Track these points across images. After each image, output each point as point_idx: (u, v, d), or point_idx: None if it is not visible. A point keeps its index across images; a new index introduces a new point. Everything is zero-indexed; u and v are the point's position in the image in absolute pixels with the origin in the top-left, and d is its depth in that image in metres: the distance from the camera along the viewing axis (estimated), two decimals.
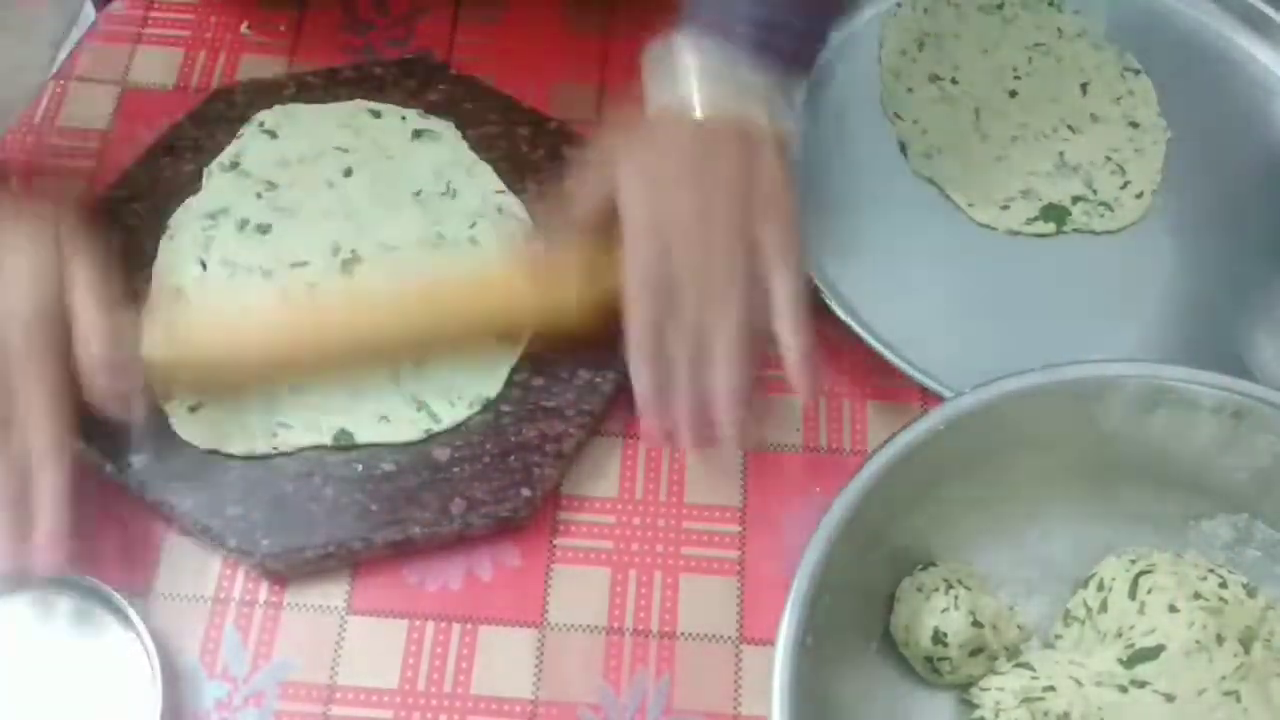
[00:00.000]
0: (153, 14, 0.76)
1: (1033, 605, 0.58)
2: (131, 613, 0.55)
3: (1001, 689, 0.54)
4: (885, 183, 0.71)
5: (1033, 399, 0.56)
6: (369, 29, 0.76)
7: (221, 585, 0.59)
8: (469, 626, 0.59)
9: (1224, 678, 0.53)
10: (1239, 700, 0.53)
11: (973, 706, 0.55)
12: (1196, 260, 0.70)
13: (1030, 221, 0.70)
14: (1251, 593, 0.56)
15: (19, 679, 0.55)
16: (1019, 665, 0.55)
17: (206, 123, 0.70)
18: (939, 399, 0.61)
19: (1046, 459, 0.58)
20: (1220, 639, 0.54)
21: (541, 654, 0.58)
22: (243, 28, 0.76)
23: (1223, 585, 0.56)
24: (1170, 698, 0.53)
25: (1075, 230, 0.70)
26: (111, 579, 0.56)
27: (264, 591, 0.59)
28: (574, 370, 0.63)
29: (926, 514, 0.56)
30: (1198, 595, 0.55)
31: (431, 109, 0.71)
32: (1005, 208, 0.70)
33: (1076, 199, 0.71)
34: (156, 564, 0.59)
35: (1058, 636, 0.57)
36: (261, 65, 0.74)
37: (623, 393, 0.64)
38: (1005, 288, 0.68)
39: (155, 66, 0.74)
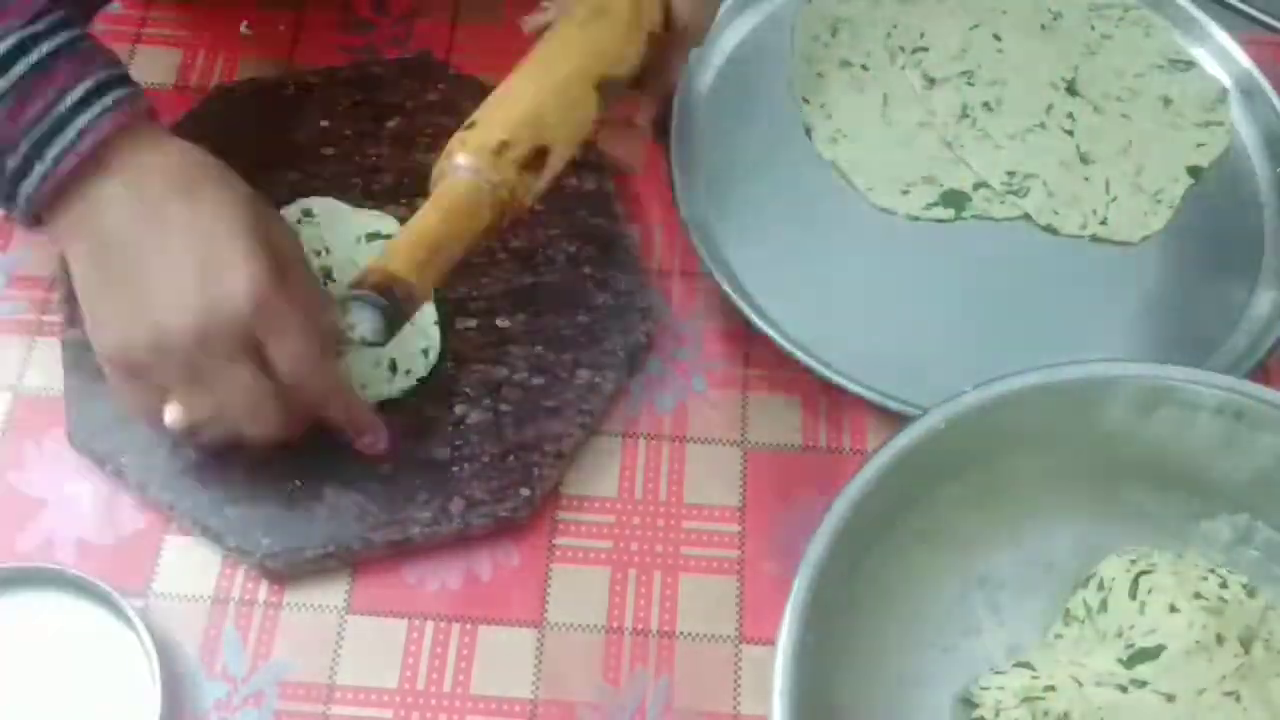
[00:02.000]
0: (152, 13, 0.76)
1: (1033, 604, 0.58)
2: (131, 612, 0.55)
3: (1002, 688, 0.54)
4: (790, 166, 0.71)
5: (1034, 398, 0.56)
6: (369, 29, 0.76)
7: (221, 585, 0.59)
8: (468, 626, 0.59)
9: (1224, 678, 0.53)
10: (1239, 700, 0.53)
11: (973, 706, 0.55)
12: (1109, 250, 0.70)
13: (929, 207, 0.70)
14: (1252, 593, 0.56)
15: (18, 678, 0.55)
16: (1019, 665, 0.55)
17: (206, 122, 0.70)
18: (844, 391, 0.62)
19: (1047, 459, 0.58)
20: (1220, 639, 0.54)
21: (541, 654, 0.58)
22: (242, 27, 0.76)
23: (1223, 585, 0.56)
24: (1170, 698, 0.53)
25: (975, 217, 0.70)
26: (111, 578, 0.56)
27: (263, 591, 0.59)
28: (574, 370, 0.63)
29: (927, 513, 0.56)
30: (1198, 595, 0.55)
31: (431, 109, 0.71)
32: (905, 192, 0.70)
33: (979, 185, 0.71)
34: (156, 563, 0.59)
35: (1058, 636, 0.57)
36: (261, 65, 0.74)
37: (622, 392, 0.64)
38: (906, 273, 0.68)
39: (154, 66, 0.74)
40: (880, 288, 0.68)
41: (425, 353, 0.63)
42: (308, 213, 0.66)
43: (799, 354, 0.63)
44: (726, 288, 0.64)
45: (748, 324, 0.64)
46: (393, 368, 0.62)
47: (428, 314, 0.63)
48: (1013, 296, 0.68)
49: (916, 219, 0.70)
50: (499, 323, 0.64)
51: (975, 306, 0.67)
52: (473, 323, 0.64)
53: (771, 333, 0.64)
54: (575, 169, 0.69)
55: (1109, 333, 0.67)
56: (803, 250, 0.69)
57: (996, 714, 0.53)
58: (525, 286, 0.65)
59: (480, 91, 0.71)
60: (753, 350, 0.66)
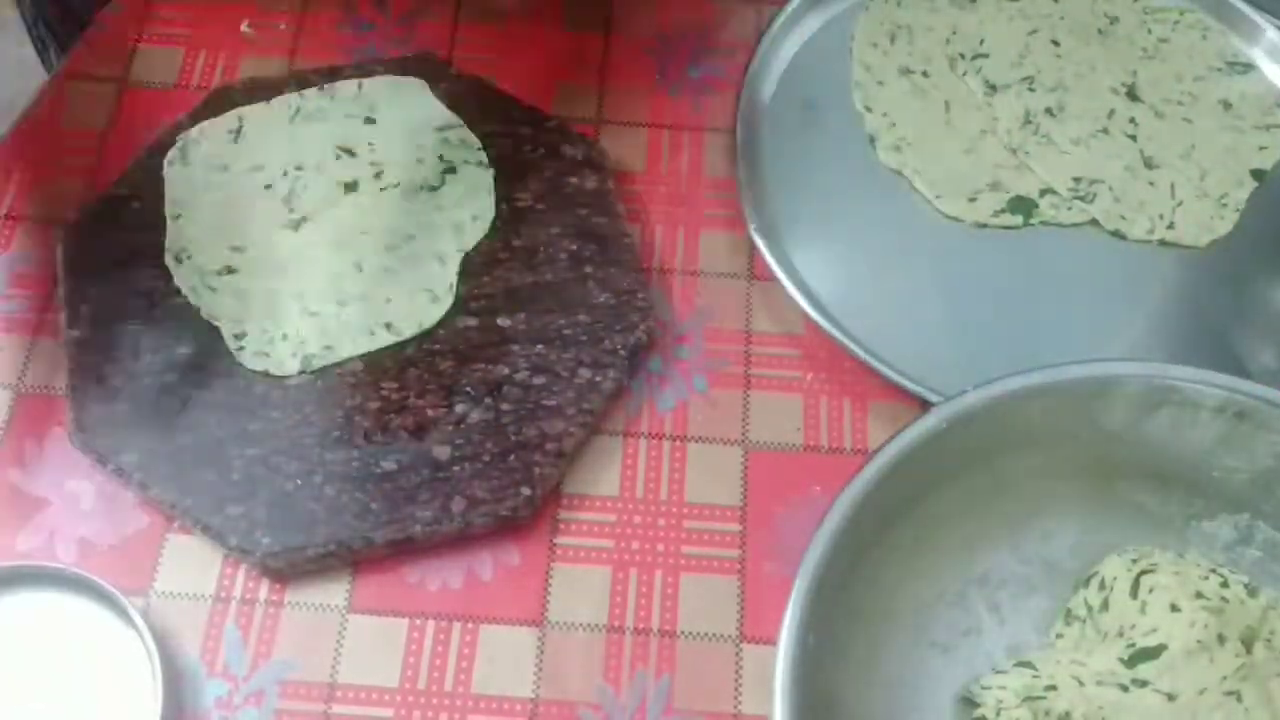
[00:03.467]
0: (153, 12, 0.76)
1: (1033, 603, 0.58)
2: (132, 611, 0.55)
3: (1004, 688, 0.54)
4: (854, 175, 0.71)
5: (1035, 398, 0.56)
6: (370, 28, 0.76)
7: (222, 584, 0.59)
8: (469, 625, 0.59)
9: (1225, 678, 0.53)
10: (1240, 700, 0.53)
11: (974, 705, 0.55)
12: (1177, 255, 0.70)
13: (997, 214, 0.70)
14: (1253, 593, 0.56)
15: (19, 677, 0.55)
16: (1020, 664, 0.55)
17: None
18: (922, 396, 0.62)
19: (1048, 458, 0.58)
20: (1222, 639, 0.54)
21: (542, 653, 0.58)
22: (243, 26, 0.76)
23: (1224, 585, 0.56)
24: (1172, 697, 0.53)
25: (1043, 223, 0.70)
26: (112, 577, 0.56)
27: (264, 590, 0.59)
28: (574, 369, 0.63)
29: (927, 513, 0.56)
30: (1199, 595, 0.55)
31: None
32: (973, 200, 0.70)
33: (1045, 191, 0.71)
34: (157, 562, 0.59)
35: (1059, 635, 0.57)
36: (262, 64, 0.74)
37: (623, 392, 0.64)
38: (974, 280, 0.68)
39: (155, 65, 0.74)
40: (948, 294, 0.67)
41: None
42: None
43: (869, 358, 0.63)
44: (796, 293, 0.65)
45: (815, 329, 0.64)
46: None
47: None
48: (1081, 302, 0.68)
49: (984, 226, 0.70)
50: (500, 322, 0.64)
51: (1044, 312, 0.67)
52: (474, 321, 0.64)
53: (840, 337, 0.64)
54: (577, 168, 0.69)
55: (1178, 338, 0.67)
56: (869, 256, 0.69)
57: (998, 713, 0.54)
58: (526, 285, 0.65)
59: (481, 90, 0.72)
60: (766, 349, 0.66)
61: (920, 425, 0.55)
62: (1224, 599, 0.55)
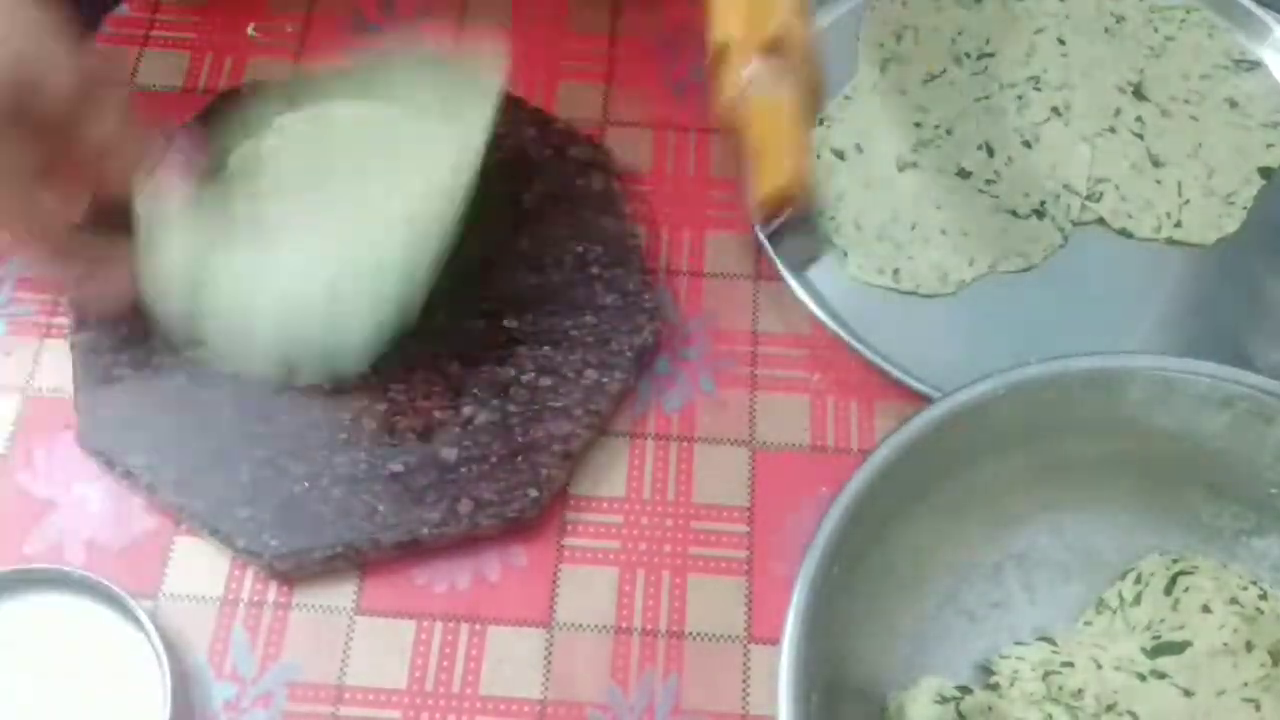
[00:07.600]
0: (159, 16, 0.76)
1: (1068, 590, 0.57)
2: (140, 613, 0.55)
3: (1021, 659, 0.54)
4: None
5: (1097, 382, 0.55)
6: (376, 30, 0.76)
7: (230, 586, 0.59)
8: (477, 627, 0.59)
9: (1246, 684, 0.53)
10: (1258, 709, 0.52)
11: (989, 673, 0.54)
12: (1184, 254, 0.69)
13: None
14: None
15: (27, 679, 0.55)
16: (1041, 639, 0.55)
17: (213, 125, 0.70)
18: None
19: (1107, 448, 0.57)
20: (1250, 646, 0.53)
21: (549, 654, 0.58)
22: (249, 29, 0.76)
23: (1263, 598, 0.55)
24: (1188, 693, 0.53)
25: (1049, 220, 0.70)
26: (120, 579, 0.56)
27: (272, 592, 0.59)
28: (581, 370, 0.63)
29: (975, 479, 0.56)
30: (1235, 601, 0.54)
31: None
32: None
33: (1056, 195, 0.71)
34: (165, 565, 0.60)
35: (1087, 623, 0.56)
36: (268, 67, 0.74)
37: (630, 393, 0.64)
38: (980, 279, 0.68)
39: (162, 68, 0.74)
40: (951, 294, 0.67)
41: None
42: None
43: (876, 358, 0.63)
44: (802, 294, 0.65)
45: (822, 329, 0.64)
46: None
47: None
48: (1087, 301, 0.67)
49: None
50: (506, 323, 0.64)
51: (1050, 311, 0.67)
52: (480, 323, 0.64)
53: (846, 337, 0.64)
54: (583, 169, 0.69)
55: (1186, 337, 0.66)
56: None
57: (1012, 683, 0.53)
58: (532, 287, 0.65)
59: None
60: (770, 350, 0.66)
61: (976, 388, 0.54)
62: (1260, 610, 0.54)
